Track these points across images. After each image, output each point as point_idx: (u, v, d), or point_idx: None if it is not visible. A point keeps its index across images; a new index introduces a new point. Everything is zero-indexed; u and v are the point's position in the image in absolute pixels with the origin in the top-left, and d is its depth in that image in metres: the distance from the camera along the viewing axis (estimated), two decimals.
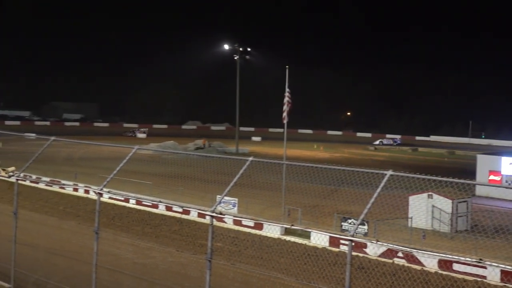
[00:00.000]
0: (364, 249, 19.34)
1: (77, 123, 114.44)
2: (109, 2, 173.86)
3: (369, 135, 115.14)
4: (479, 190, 35.92)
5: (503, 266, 17.63)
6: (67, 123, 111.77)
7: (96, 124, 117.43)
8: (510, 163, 41.97)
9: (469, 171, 43.96)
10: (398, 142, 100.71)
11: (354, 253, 11.01)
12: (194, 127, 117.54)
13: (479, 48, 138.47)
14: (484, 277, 19.28)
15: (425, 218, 26.24)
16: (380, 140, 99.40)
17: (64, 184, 25.65)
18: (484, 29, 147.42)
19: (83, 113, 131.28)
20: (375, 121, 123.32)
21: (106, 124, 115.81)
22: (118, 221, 21.62)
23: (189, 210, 22.48)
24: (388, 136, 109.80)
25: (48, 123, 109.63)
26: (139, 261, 18.22)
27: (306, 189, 22.91)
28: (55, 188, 26.10)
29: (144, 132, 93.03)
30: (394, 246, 19.29)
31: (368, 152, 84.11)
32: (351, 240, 10.94)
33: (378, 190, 11.32)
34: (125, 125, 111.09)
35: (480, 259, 17.09)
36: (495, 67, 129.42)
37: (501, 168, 42.44)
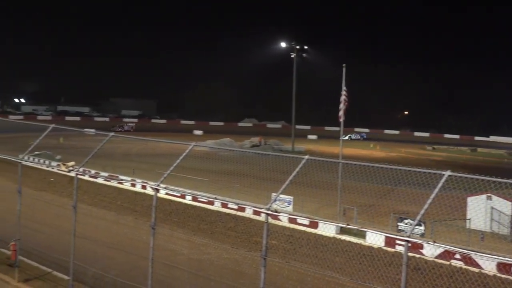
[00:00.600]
0: (420, 250, 19.01)
1: (135, 120, 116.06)
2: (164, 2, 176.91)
3: (426, 134, 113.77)
4: None
5: None
6: (125, 119, 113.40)
7: (153, 120, 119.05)
8: None
9: None
10: (365, 137, 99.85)
11: (410, 254, 10.72)
12: (250, 124, 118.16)
13: None
14: None
15: (484, 220, 25.70)
16: (349, 135, 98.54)
17: (121, 179, 25.88)
18: None
19: (141, 109, 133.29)
20: (433, 121, 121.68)
21: (163, 121, 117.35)
22: (174, 216, 21.68)
23: (245, 207, 22.44)
24: (356, 130, 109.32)
25: (107, 119, 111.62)
26: (195, 257, 18.25)
27: (362, 188, 22.62)
28: (113, 183, 26.44)
29: (131, 128, 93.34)
30: (452, 247, 18.85)
31: (425, 152, 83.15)
32: (408, 241, 10.63)
33: (436, 190, 10.99)
34: (182, 121, 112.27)
35: None
36: None
37: None
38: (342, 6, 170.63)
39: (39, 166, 23.79)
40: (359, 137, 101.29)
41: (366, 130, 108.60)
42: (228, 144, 60.49)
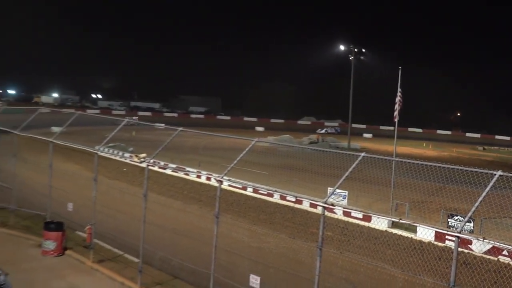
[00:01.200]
0: (469, 246, 19.22)
1: (201, 116, 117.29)
2: (231, 3, 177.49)
3: (478, 135, 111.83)
4: None
5: None
6: (192, 115, 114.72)
7: (218, 117, 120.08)
8: None
9: None
10: (339, 131, 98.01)
11: (459, 249, 11.14)
12: (309, 122, 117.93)
13: None
14: None
15: None
16: (326, 129, 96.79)
17: (188, 171, 26.64)
18: None
19: (207, 106, 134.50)
20: (484, 122, 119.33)
21: (227, 117, 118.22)
22: (236, 207, 22.31)
23: (302, 200, 22.92)
24: (327, 124, 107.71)
25: (175, 114, 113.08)
26: (254, 245, 18.83)
27: (414, 185, 22.81)
28: (180, 174, 27.14)
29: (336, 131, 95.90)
30: (500, 244, 19.08)
31: (476, 152, 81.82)
32: (458, 236, 11.12)
33: (487, 189, 11.44)
34: (245, 118, 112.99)
35: None
36: None
37: None
38: (397, 9, 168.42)
39: (113, 157, 24.66)
40: (334, 131, 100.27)
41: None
42: (288, 140, 60.79)
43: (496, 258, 19.88)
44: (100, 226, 20.06)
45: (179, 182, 24.84)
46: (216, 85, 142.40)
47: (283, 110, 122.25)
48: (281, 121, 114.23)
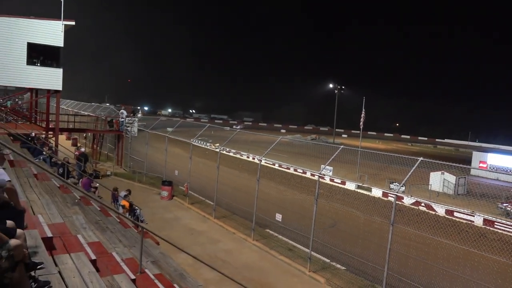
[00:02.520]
0: (402, 200, 18.96)
1: (250, 123, 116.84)
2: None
3: (408, 136, 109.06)
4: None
5: (486, 216, 16.75)
6: (245, 123, 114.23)
7: (260, 124, 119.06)
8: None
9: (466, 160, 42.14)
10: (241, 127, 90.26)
11: (396, 202, 10.97)
12: (311, 127, 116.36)
13: None
14: (472, 222, 18.35)
15: (439, 185, 25.22)
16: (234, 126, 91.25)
17: (242, 154, 26.70)
18: None
19: (253, 117, 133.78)
20: (412, 128, 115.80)
21: (265, 124, 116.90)
22: (268, 175, 22.06)
23: (306, 172, 22.89)
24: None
25: (235, 122, 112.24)
26: (279, 196, 18.85)
27: (370, 165, 22.59)
28: (237, 156, 27.29)
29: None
30: (420, 199, 18.85)
31: (407, 146, 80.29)
32: (396, 195, 10.99)
33: (414, 168, 11.31)
34: (275, 124, 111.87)
35: (473, 211, 16.31)
36: None
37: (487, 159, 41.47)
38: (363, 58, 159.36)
39: (200, 145, 25.01)
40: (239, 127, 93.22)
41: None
42: (298, 137, 60.37)
43: (417, 208, 19.53)
44: (193, 183, 20.31)
45: (237, 160, 25.01)
46: (258, 104, 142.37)
47: (296, 120, 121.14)
48: (295, 126, 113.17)
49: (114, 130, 27.07)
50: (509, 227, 17.43)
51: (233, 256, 13.22)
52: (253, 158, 25.09)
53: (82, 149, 22.10)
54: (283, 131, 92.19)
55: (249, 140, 27.85)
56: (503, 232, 17.18)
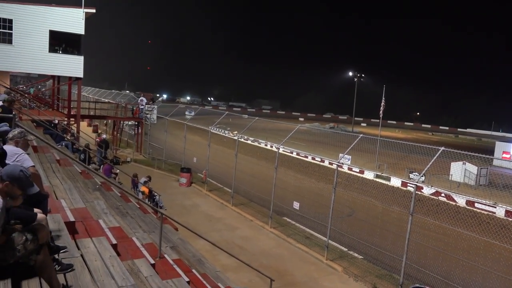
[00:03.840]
0: (421, 190, 18.68)
1: (268, 111, 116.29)
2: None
3: (429, 126, 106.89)
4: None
5: (508, 207, 16.41)
6: (263, 111, 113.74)
7: (278, 112, 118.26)
8: None
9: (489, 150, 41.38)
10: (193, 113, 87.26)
11: (416, 192, 10.85)
12: (330, 116, 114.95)
13: None
14: (494, 213, 18.01)
15: (460, 176, 24.75)
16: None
17: (260, 142, 26.63)
18: None
19: (271, 105, 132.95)
20: (433, 117, 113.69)
21: (283, 112, 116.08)
22: (286, 163, 21.87)
23: (324, 160, 22.73)
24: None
25: (254, 110, 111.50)
26: (296, 184, 18.80)
27: (389, 154, 22.23)
28: (255, 144, 27.20)
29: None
30: (440, 189, 18.59)
31: (428, 136, 79.05)
32: (416, 185, 10.84)
33: (434, 158, 11.12)
34: (293, 113, 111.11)
35: (495, 202, 16.02)
36: None
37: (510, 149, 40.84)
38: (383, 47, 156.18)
39: (218, 133, 25.06)
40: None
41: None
42: (317, 126, 59.94)
43: (437, 198, 19.23)
44: (211, 170, 20.46)
45: (254, 148, 24.99)
46: (277, 92, 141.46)
47: (315, 108, 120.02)
48: (314, 115, 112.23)
49: (134, 117, 27.38)
50: None
51: (251, 243, 13.32)
52: (271, 146, 25.04)
53: (103, 136, 22.46)
54: (301, 119, 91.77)
55: (267, 128, 27.77)
56: None
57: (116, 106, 30.97)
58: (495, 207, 17.13)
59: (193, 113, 34.81)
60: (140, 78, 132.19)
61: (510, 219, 16.88)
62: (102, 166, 16.57)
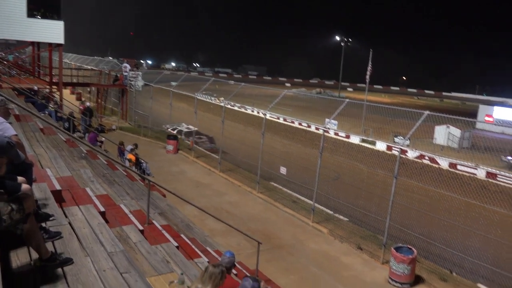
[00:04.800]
0: (406, 153, 18.98)
1: (255, 77, 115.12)
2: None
3: (414, 90, 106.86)
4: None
5: (488, 169, 16.84)
6: (250, 77, 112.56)
7: (264, 77, 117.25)
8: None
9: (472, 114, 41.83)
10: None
11: (400, 155, 11.04)
12: (316, 81, 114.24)
13: None
14: (475, 174, 18.47)
15: (444, 139, 25.17)
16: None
17: (247, 108, 26.57)
18: None
19: (258, 71, 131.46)
20: (419, 82, 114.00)
21: (269, 78, 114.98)
22: (273, 129, 21.89)
23: (311, 125, 22.82)
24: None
25: (240, 76, 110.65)
26: (283, 150, 18.81)
27: (375, 118, 22.44)
28: (242, 110, 27.11)
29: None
30: (424, 152, 18.92)
31: (413, 100, 79.76)
32: (400, 148, 11.00)
33: (419, 122, 11.23)
34: (279, 78, 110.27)
35: (476, 164, 16.39)
36: None
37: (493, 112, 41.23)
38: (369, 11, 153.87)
39: (205, 99, 24.84)
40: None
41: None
42: (303, 91, 59.78)
43: (421, 161, 19.58)
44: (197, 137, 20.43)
45: (241, 114, 24.86)
46: (263, 57, 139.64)
47: (301, 74, 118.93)
48: (300, 80, 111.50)
49: (118, 84, 26.90)
50: (511, 179, 17.55)
51: (238, 208, 13.51)
52: (258, 112, 24.97)
53: (87, 104, 22.10)
54: (288, 85, 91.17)
55: (254, 94, 27.57)
56: (505, 184, 17.30)
57: (100, 73, 30.31)
58: (476, 169, 17.55)
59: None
60: (123, 44, 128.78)
61: (491, 180, 17.35)
62: (87, 134, 16.40)
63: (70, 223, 4.61)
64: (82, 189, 6.40)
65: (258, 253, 8.27)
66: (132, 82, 25.82)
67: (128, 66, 26.48)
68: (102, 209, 5.84)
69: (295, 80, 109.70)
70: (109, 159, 10.41)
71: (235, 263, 6.65)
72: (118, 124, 24.66)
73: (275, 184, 16.03)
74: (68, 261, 3.79)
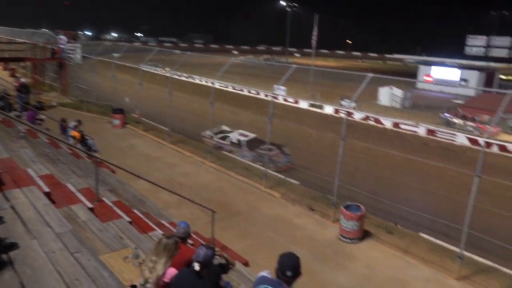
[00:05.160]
0: (352, 116, 19.54)
1: (201, 45, 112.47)
2: None
3: (359, 53, 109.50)
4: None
5: (429, 126, 17.79)
6: (196, 45, 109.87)
7: (211, 45, 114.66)
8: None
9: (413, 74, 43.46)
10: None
11: (348, 118, 11.41)
12: (264, 48, 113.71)
13: None
14: (417, 132, 19.43)
15: (388, 100, 26.17)
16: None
17: (194, 78, 25.94)
18: None
19: (204, 39, 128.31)
20: (358, 45, 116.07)
21: (217, 46, 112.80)
22: (222, 98, 21.77)
23: (259, 93, 22.82)
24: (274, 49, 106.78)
25: (186, 45, 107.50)
26: (232, 118, 18.88)
27: (322, 83, 22.80)
28: (190, 80, 26.46)
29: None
30: (369, 114, 19.58)
31: (358, 63, 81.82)
32: (347, 111, 11.32)
33: (363, 85, 11.59)
34: (226, 46, 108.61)
35: (417, 123, 17.25)
36: None
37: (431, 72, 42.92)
38: None
39: (150, 70, 23.95)
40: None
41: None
42: (251, 59, 59.42)
43: (366, 122, 20.26)
44: (144, 110, 19.88)
45: (189, 84, 24.24)
46: (208, 26, 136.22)
47: (248, 41, 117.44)
48: (248, 47, 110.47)
49: (55, 58, 25.37)
50: (448, 135, 18.64)
51: (191, 178, 13.48)
52: (206, 82, 24.54)
53: (22, 80, 20.72)
54: (235, 52, 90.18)
55: (201, 64, 27.01)
56: (443, 140, 18.36)
57: (34, 46, 28.36)
58: (417, 127, 18.49)
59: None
60: (59, 14, 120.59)
61: (431, 137, 18.35)
62: (24, 113, 15.47)
63: (12, 207, 4.42)
64: (23, 171, 6.11)
65: (213, 222, 8.35)
66: (71, 55, 24.44)
67: (64, 38, 24.97)
68: (46, 189, 5.63)
69: (243, 47, 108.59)
70: (51, 138, 9.95)
71: (191, 233, 6.69)
72: (58, 100, 23.43)
73: (227, 153, 16.07)
74: (13, 246, 3.65)
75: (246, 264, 8.16)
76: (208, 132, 17.28)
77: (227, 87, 24.33)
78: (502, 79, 43.45)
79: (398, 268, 8.79)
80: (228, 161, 15.34)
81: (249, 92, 25.89)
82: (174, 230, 6.06)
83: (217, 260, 5.13)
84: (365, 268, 8.70)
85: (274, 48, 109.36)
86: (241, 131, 17.02)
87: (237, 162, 15.24)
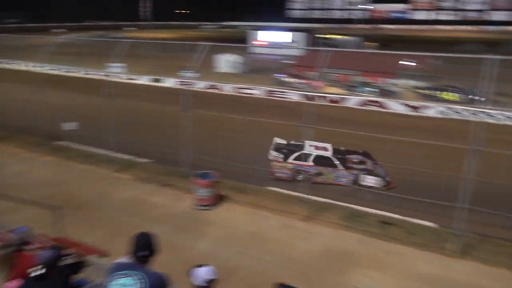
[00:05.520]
0: (195, 86, 19.69)
1: (15, 25, 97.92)
2: None
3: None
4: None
5: (264, 87, 19.02)
6: (10, 25, 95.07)
7: (31, 25, 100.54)
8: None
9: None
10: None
11: (190, 88, 11.42)
12: (93, 24, 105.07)
13: None
14: (256, 95, 20.65)
15: (225, 67, 27.00)
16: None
17: (19, 63, 22.63)
18: None
19: (20, 18, 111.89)
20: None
21: (36, 25, 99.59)
22: (55, 84, 19.75)
23: (90, 72, 21.24)
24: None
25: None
26: (69, 104, 17.25)
27: (160, 56, 22.22)
28: (14, 66, 23.03)
29: None
30: (213, 82, 20.05)
31: (196, 33, 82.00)
32: (188, 82, 11.32)
33: (203, 55, 11.68)
34: (47, 24, 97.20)
35: (254, 86, 18.27)
36: None
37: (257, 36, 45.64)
38: None
39: None
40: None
41: None
42: (85, 36, 54.42)
43: (211, 91, 20.68)
44: None
45: (13, 72, 21.14)
46: (23, 2, 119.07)
47: (73, 17, 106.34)
48: (74, 24, 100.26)
49: None
50: (283, 93, 20.29)
51: (27, 177, 12.01)
52: (33, 67, 21.78)
53: None
54: (62, 30, 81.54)
55: (22, 46, 23.60)
56: (279, 98, 19.93)
57: None
58: (255, 90, 19.66)
59: None
60: None
61: (268, 97, 19.74)
62: None
63: None
64: None
65: (58, 219, 7.63)
66: None
67: None
68: None
69: (68, 24, 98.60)
70: None
71: (31, 238, 6.02)
72: None
73: (66, 143, 14.72)
74: None
75: (105, 254, 7.74)
76: (274, 153, 12.60)
77: (60, 70, 21.87)
78: (325, 38, 48.11)
79: (254, 222, 9.40)
80: (68, 151, 14.06)
81: (87, 74, 23.81)
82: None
83: (71, 260, 4.76)
84: (224, 229, 9.08)
85: (104, 23, 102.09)
86: (308, 141, 10.68)
87: (79, 150, 14.07)
